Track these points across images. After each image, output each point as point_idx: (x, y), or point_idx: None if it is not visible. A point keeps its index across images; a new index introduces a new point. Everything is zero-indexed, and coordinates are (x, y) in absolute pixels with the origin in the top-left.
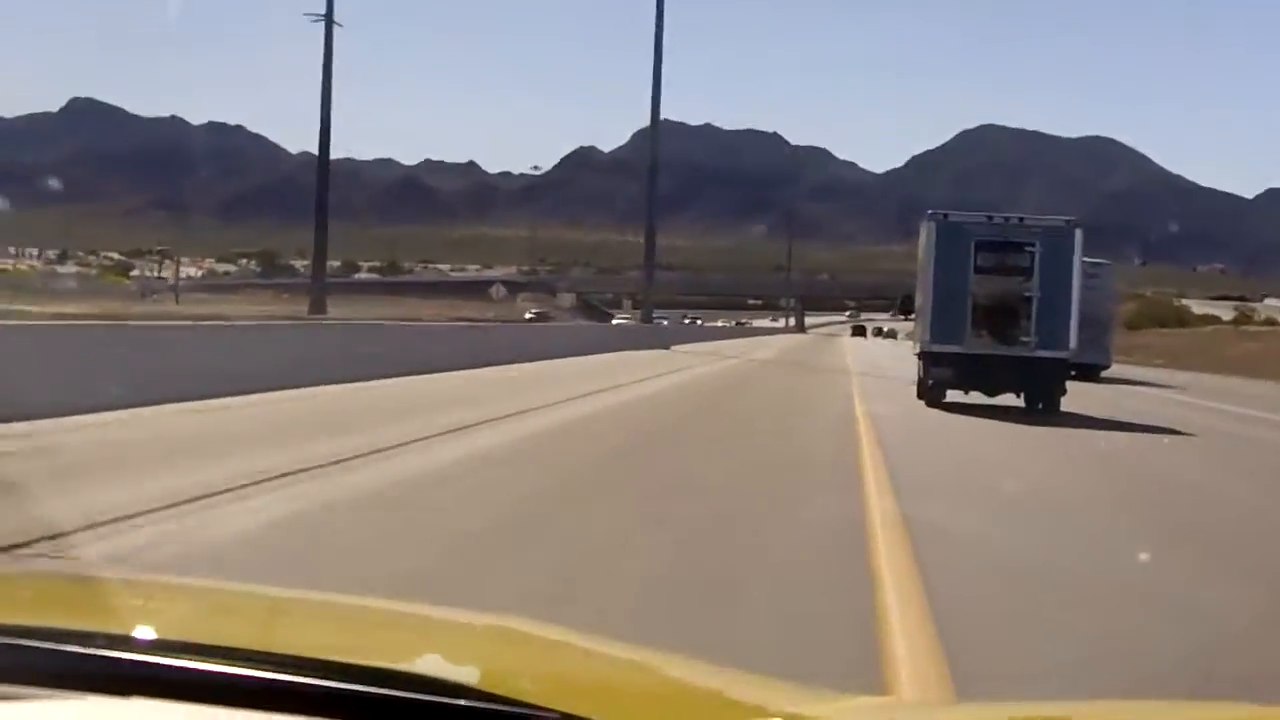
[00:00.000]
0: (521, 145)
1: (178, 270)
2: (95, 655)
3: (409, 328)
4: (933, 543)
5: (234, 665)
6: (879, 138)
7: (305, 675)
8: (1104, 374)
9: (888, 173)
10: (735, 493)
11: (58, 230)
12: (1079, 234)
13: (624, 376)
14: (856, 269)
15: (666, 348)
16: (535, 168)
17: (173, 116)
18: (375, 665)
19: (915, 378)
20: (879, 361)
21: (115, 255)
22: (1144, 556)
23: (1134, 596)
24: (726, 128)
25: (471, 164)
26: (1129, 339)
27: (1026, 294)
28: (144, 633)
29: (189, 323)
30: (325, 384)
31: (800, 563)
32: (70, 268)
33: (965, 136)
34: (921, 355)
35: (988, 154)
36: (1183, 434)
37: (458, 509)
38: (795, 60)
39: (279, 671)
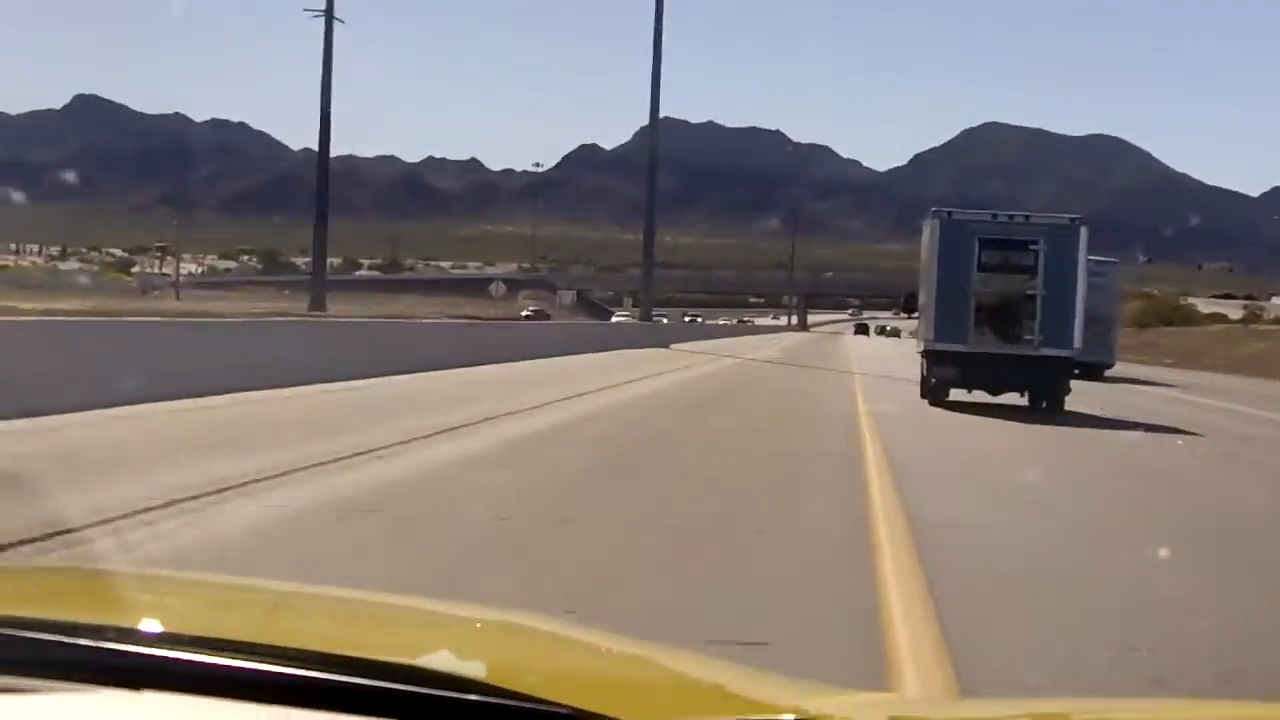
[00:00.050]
0: (524, 143)
1: (178, 267)
2: (107, 649)
3: (403, 326)
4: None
5: (245, 659)
6: (882, 136)
7: (315, 670)
8: (1108, 373)
9: (890, 171)
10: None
11: (63, 227)
12: (1084, 232)
13: (619, 376)
14: (859, 267)
15: (665, 346)
16: (537, 165)
17: (176, 113)
18: (386, 660)
19: (918, 376)
20: (882, 360)
21: (117, 252)
22: (1163, 554)
23: (1145, 599)
24: (729, 125)
25: (474, 161)
26: (1136, 338)
27: (1031, 292)
28: (155, 627)
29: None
30: (318, 382)
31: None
32: (72, 264)
33: (968, 135)
34: (925, 354)
35: (991, 152)
36: (1189, 433)
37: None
38: (798, 58)
39: (289, 666)
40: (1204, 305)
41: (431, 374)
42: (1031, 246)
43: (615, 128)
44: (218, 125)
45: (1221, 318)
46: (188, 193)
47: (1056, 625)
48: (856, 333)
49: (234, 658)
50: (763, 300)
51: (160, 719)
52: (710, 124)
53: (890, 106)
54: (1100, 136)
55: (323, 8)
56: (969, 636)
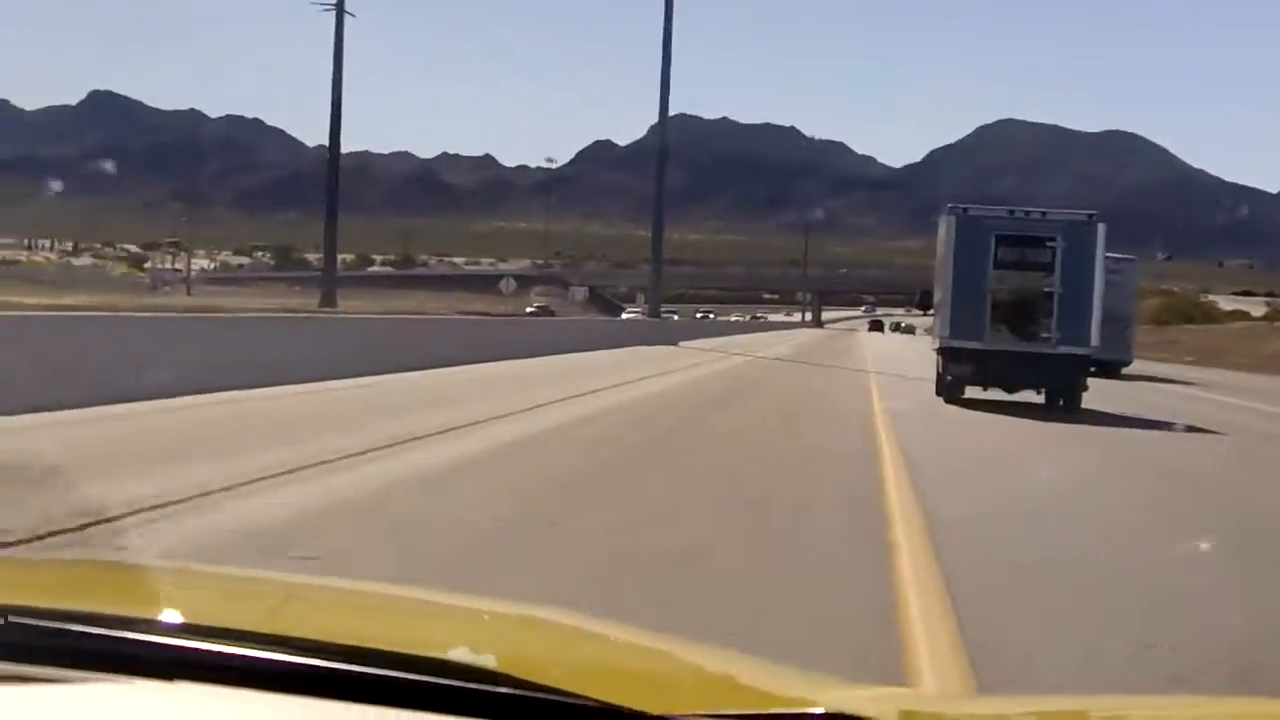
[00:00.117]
0: (538, 139)
1: (189, 263)
2: (139, 640)
3: (412, 322)
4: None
5: (275, 652)
6: (897, 132)
7: (343, 662)
8: (1126, 371)
9: (905, 167)
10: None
11: (78, 222)
12: (1101, 228)
13: (623, 375)
14: (873, 263)
15: (674, 343)
16: (550, 160)
17: (190, 109)
18: (414, 653)
19: (934, 374)
20: (897, 356)
21: (132, 248)
22: (1181, 551)
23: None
24: (743, 121)
25: (487, 157)
26: (1155, 335)
27: (1047, 289)
28: (186, 619)
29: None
30: (324, 379)
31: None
32: (86, 260)
33: (984, 131)
34: (940, 351)
35: (1007, 148)
36: (1210, 431)
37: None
38: (813, 54)
39: (318, 659)
40: (1225, 302)
41: (438, 371)
42: (1048, 243)
43: (629, 124)
44: (232, 121)
45: (1244, 315)
46: (202, 189)
47: (1074, 622)
48: (871, 329)
49: (265, 650)
50: (777, 297)
51: (193, 709)
52: (724, 120)
53: (905, 103)
54: (1117, 133)
55: (333, 1)
56: (986, 633)
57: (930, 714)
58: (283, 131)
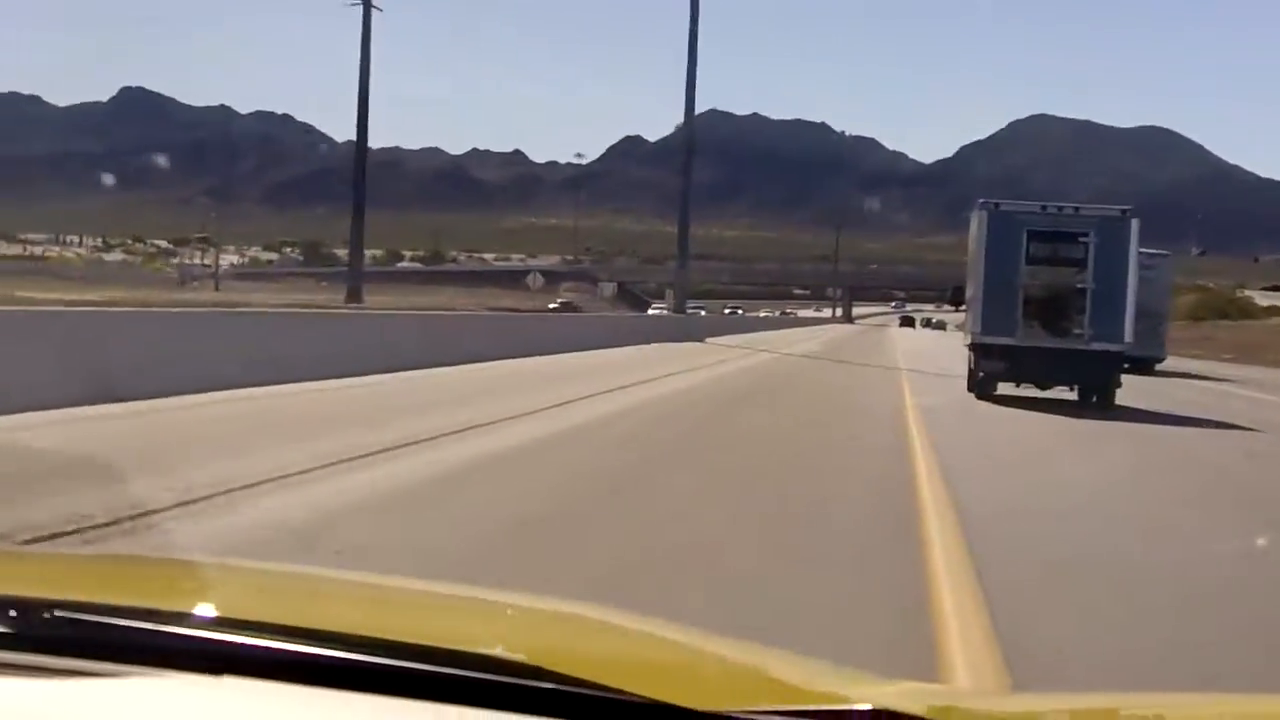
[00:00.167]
0: (567, 135)
1: (217, 258)
2: (186, 634)
3: (439, 318)
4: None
5: (319, 646)
6: (928, 128)
7: (385, 657)
8: (1159, 367)
9: (936, 163)
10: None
11: (110, 218)
12: (1135, 224)
13: (643, 373)
14: (904, 260)
15: (700, 340)
16: (579, 156)
17: (221, 105)
18: (456, 648)
19: (966, 370)
20: (929, 352)
21: (162, 243)
22: (1217, 549)
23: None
24: (774, 118)
25: (517, 153)
26: (1190, 331)
27: (1080, 285)
28: (230, 613)
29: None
30: (347, 376)
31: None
32: (117, 256)
33: (1016, 127)
34: (972, 347)
35: (1039, 144)
36: (1246, 429)
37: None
38: (845, 50)
39: (363, 653)
40: (1261, 298)
41: (464, 367)
42: (1081, 239)
43: (659, 120)
44: (262, 117)
45: None
46: (232, 185)
47: (1110, 619)
48: (902, 325)
49: (308, 645)
50: (808, 292)
51: (240, 704)
52: (755, 116)
53: (937, 99)
54: (1150, 128)
55: None
56: (1018, 629)
57: (956, 708)
58: (313, 127)
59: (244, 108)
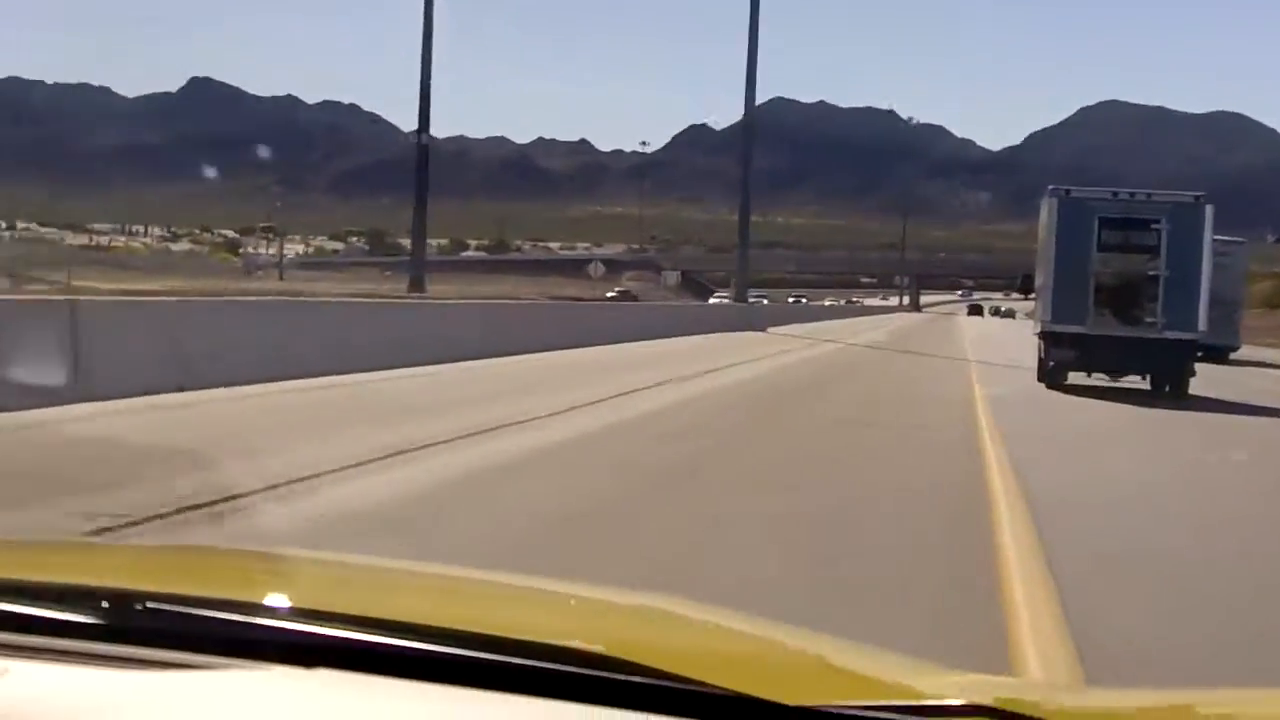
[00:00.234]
0: (633, 123)
1: (282, 248)
2: (278, 627)
3: (492, 308)
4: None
5: (408, 640)
6: (996, 114)
7: (476, 650)
8: (1233, 356)
9: (1005, 150)
10: None
11: (179, 208)
12: (1209, 210)
13: (706, 363)
14: (972, 247)
15: (761, 329)
16: (644, 144)
17: (288, 95)
18: (540, 640)
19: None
20: (999, 341)
21: (228, 233)
22: None
23: None
24: (841, 105)
25: (583, 142)
26: (1267, 319)
27: (1153, 273)
28: (321, 605)
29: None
30: (411, 365)
31: None
32: (184, 245)
33: (1086, 113)
34: (1042, 335)
35: (1108, 130)
36: None
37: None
38: (912, 37)
39: (451, 646)
40: None
41: (523, 357)
42: (1154, 225)
43: (725, 108)
44: (329, 107)
45: None
46: (299, 174)
47: (1181, 611)
48: (970, 313)
49: (397, 637)
50: (874, 281)
51: (333, 696)
52: (822, 103)
53: (1006, 85)
54: (1222, 113)
55: None
56: (1088, 619)
57: (1023, 701)
58: (379, 117)
59: (311, 98)
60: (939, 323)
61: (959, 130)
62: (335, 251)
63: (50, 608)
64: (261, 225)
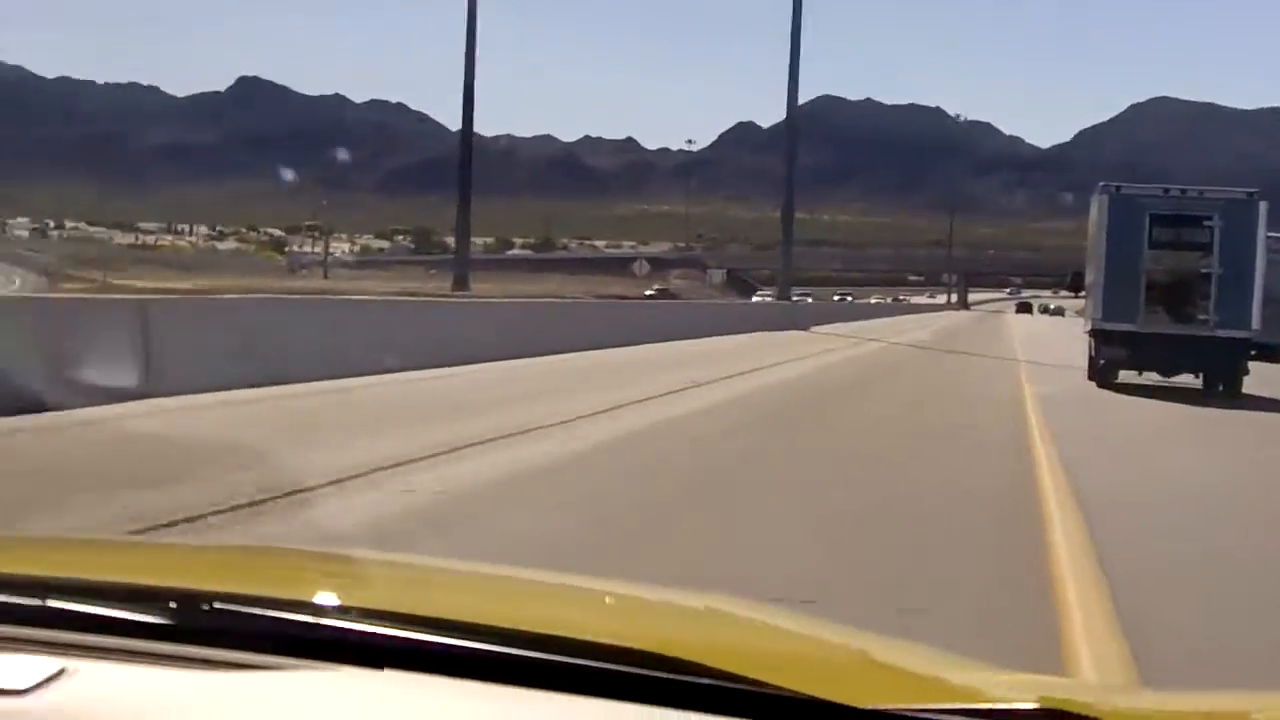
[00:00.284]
0: (679, 122)
1: (326, 246)
2: (346, 627)
3: (535, 306)
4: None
5: (478, 641)
6: (1045, 111)
7: (539, 651)
8: None
9: (1054, 147)
10: None
11: (226, 207)
12: (1263, 206)
13: (752, 361)
14: (1020, 245)
15: (804, 329)
16: (690, 142)
17: (335, 94)
18: (607, 643)
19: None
20: (1049, 340)
21: (275, 231)
22: None
23: None
24: (888, 103)
25: (629, 140)
26: None
27: (1205, 270)
28: (387, 606)
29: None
30: (453, 364)
31: None
32: (230, 244)
33: (1136, 110)
34: (1092, 333)
35: (1159, 127)
36: None
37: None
38: (960, 34)
39: (517, 647)
40: None
41: (565, 356)
42: (1206, 222)
43: (772, 107)
44: (376, 106)
45: None
46: (346, 173)
47: (1236, 613)
48: (1019, 311)
49: (463, 638)
50: (922, 278)
51: (404, 698)
52: (868, 101)
53: (1055, 82)
54: (1272, 110)
55: None
56: (1140, 618)
57: (1073, 702)
58: (426, 116)
59: (359, 97)
60: (987, 321)
61: (1007, 128)
62: (381, 250)
63: (118, 607)
64: (307, 224)
